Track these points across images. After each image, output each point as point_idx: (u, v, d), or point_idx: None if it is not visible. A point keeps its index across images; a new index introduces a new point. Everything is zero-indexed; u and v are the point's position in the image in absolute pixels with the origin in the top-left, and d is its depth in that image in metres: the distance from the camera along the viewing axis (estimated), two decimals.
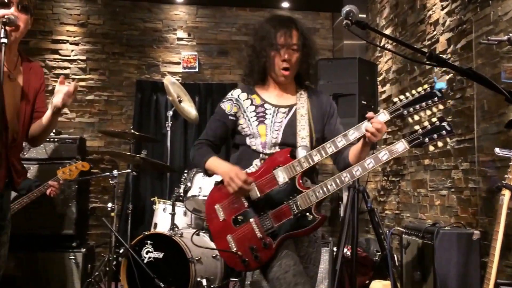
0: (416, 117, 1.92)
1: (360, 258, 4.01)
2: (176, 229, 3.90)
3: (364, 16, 5.49)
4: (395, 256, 3.99)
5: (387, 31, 4.95)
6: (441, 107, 1.90)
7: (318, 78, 2.31)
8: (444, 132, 1.88)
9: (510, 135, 3.00)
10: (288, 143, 2.10)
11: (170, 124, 5.02)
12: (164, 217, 4.17)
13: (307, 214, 1.97)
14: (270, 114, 2.14)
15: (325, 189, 1.97)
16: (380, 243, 3.43)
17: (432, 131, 1.89)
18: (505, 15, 3.10)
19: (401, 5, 4.73)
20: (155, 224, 4.22)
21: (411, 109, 1.91)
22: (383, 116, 1.94)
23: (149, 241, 3.73)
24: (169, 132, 5.02)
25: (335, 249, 3.59)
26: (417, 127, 1.91)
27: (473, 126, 3.40)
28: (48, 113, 2.28)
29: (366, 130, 1.93)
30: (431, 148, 1.91)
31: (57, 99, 2.23)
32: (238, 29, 5.96)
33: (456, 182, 3.65)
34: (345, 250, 3.65)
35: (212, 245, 3.97)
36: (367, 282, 3.88)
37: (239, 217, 2.04)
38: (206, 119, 5.65)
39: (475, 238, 3.13)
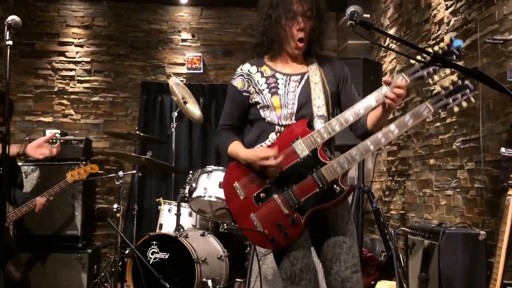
0: (436, 78, 1.82)
1: (365, 259, 4.01)
2: (182, 229, 3.91)
3: (368, 16, 5.48)
4: (400, 256, 3.98)
5: (392, 31, 4.94)
6: (460, 64, 1.76)
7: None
8: (468, 90, 1.79)
9: None
10: (304, 113, 2.00)
11: (175, 125, 5.03)
12: (169, 218, 4.18)
13: (334, 186, 1.88)
14: (282, 84, 2.04)
15: (349, 158, 1.87)
16: (385, 243, 3.42)
17: (456, 91, 1.80)
18: (510, 14, 3.08)
19: (405, 5, 4.72)
20: (161, 225, 4.23)
21: (431, 69, 1.82)
22: (402, 79, 1.84)
23: (154, 242, 3.74)
24: (174, 133, 5.03)
25: None
26: (438, 88, 1.81)
27: (478, 126, 3.38)
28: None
29: (386, 96, 1.83)
30: (456, 109, 1.80)
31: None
32: (243, 30, 5.96)
33: (462, 182, 3.63)
34: None
35: (216, 244, 4.00)
36: (372, 282, 3.88)
37: (261, 194, 1.95)
38: (210, 119, 5.67)
39: (481, 239, 3.12)
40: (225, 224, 4.11)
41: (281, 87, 2.04)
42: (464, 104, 1.81)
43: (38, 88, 5.60)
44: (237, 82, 2.11)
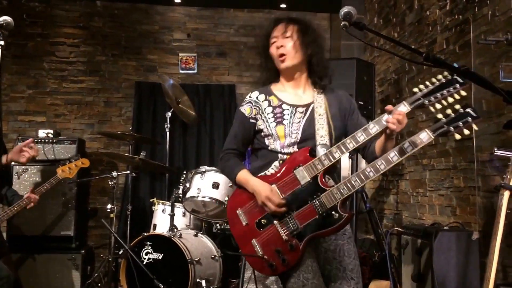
0: (438, 106, 1.83)
1: (359, 258, 4.01)
2: (175, 230, 3.91)
3: (362, 16, 5.50)
4: (394, 256, 3.99)
5: (385, 32, 4.95)
6: (463, 93, 1.81)
7: (330, 76, 2.24)
8: (469, 118, 1.77)
9: (509, 135, 3.01)
10: (307, 142, 2.07)
11: (169, 126, 5.03)
12: (163, 218, 4.17)
13: (333, 212, 1.92)
14: (288, 114, 2.11)
15: (349, 185, 1.91)
16: (379, 243, 3.43)
17: (457, 118, 1.79)
18: (503, 15, 3.10)
19: (399, 5, 4.73)
20: (154, 225, 4.22)
21: (432, 98, 1.84)
22: (403, 107, 1.89)
23: (148, 242, 3.73)
24: (168, 134, 5.03)
25: None
26: (440, 116, 1.82)
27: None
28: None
29: (387, 122, 1.88)
30: (457, 136, 1.79)
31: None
32: (237, 30, 5.96)
33: (455, 182, 3.65)
34: None
35: (210, 245, 3.99)
36: (366, 282, 3.89)
37: (262, 220, 2.01)
38: (204, 120, 5.66)
39: (474, 238, 3.13)
40: (218, 225, 4.11)
41: (286, 117, 2.10)
42: (466, 131, 1.79)
43: (31, 88, 5.57)
44: (245, 109, 2.18)
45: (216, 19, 5.98)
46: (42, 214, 4.50)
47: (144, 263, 3.67)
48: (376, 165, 1.88)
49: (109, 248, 4.08)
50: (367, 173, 1.89)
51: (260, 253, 1.98)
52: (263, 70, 2.25)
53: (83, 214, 5.04)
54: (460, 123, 1.78)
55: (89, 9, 5.75)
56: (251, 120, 2.16)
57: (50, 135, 4.86)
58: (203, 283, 3.65)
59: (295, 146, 2.07)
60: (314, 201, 1.94)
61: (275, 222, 1.98)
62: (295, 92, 2.19)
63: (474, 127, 1.79)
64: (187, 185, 4.05)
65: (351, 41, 5.53)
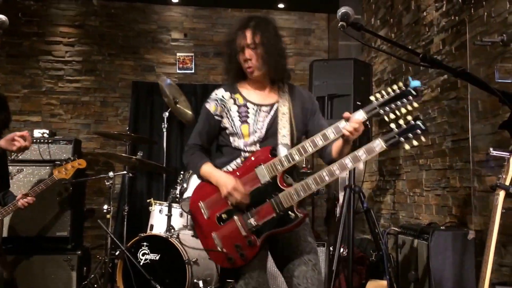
0: (392, 116, 1.93)
1: (356, 258, 4.02)
2: (173, 230, 3.90)
3: (359, 17, 5.51)
4: (391, 256, 4.00)
5: (382, 32, 4.96)
6: (415, 105, 1.91)
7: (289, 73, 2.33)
8: (418, 131, 1.89)
9: (504, 136, 3.02)
10: (269, 141, 2.14)
11: (166, 126, 5.02)
12: (160, 218, 4.16)
13: (290, 212, 2.01)
14: (253, 113, 2.18)
15: (306, 187, 2.00)
16: (376, 243, 3.44)
17: (407, 130, 1.90)
18: (499, 16, 3.12)
19: (396, 6, 4.75)
20: (151, 225, 4.21)
21: (387, 108, 1.93)
22: (360, 115, 1.96)
23: (145, 243, 3.72)
24: (165, 134, 5.02)
25: (331, 249, 3.59)
26: (393, 125, 1.92)
27: (467, 126, 3.41)
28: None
29: (344, 129, 1.97)
30: (407, 147, 1.91)
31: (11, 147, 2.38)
32: None
33: (451, 182, 3.66)
34: (341, 250, 3.66)
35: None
36: (363, 282, 3.89)
37: (223, 215, 2.08)
38: None
39: (470, 238, 3.14)
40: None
41: (251, 116, 2.17)
42: (415, 143, 1.90)
43: (26, 87, 5.55)
44: (211, 106, 2.23)
45: (214, 19, 5.98)
46: (38, 214, 4.48)
47: (141, 264, 3.66)
48: (332, 170, 1.97)
49: (106, 249, 4.07)
50: (322, 176, 1.98)
51: (220, 246, 2.06)
52: (228, 73, 2.27)
53: (79, 214, 5.02)
54: (410, 135, 1.89)
55: (85, 8, 5.74)
56: (216, 117, 2.21)
57: (45, 135, 4.84)
58: (201, 283, 3.65)
59: (258, 145, 2.14)
60: (272, 200, 2.02)
61: (235, 217, 2.05)
62: (260, 92, 2.25)
63: (422, 139, 1.90)
64: (184, 185, 4.04)
65: (348, 41, 5.54)
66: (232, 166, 2.17)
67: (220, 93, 2.25)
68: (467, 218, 3.44)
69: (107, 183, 4.18)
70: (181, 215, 4.22)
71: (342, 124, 1.98)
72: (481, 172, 3.27)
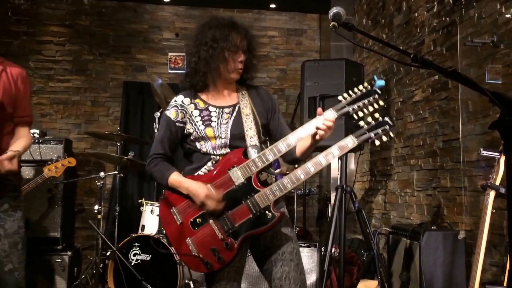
0: (361, 114, 2.00)
1: (348, 258, 4.03)
2: (164, 231, 3.88)
3: (351, 17, 5.52)
4: (382, 256, 4.01)
5: (374, 33, 4.98)
6: (381, 103, 2.00)
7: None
8: (387, 126, 1.98)
9: (495, 136, 3.04)
10: (237, 143, 2.11)
11: (157, 126, 4.99)
12: (152, 219, 4.14)
13: (266, 212, 2.00)
14: (215, 116, 2.14)
15: (281, 187, 2.00)
16: (367, 243, 3.45)
17: (376, 126, 1.99)
18: (489, 17, 3.14)
19: (387, 7, 4.77)
20: (143, 226, 4.19)
21: (355, 107, 1.99)
22: (331, 113, 1.99)
23: (136, 243, 3.71)
24: (156, 133, 5.00)
25: (322, 249, 3.60)
26: (362, 123, 1.99)
27: (458, 127, 3.43)
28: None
29: (317, 128, 1.98)
30: (377, 142, 1.99)
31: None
32: None
33: (442, 182, 3.68)
34: (333, 250, 3.67)
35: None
36: (354, 281, 3.90)
37: (197, 219, 2.04)
38: None
39: (461, 238, 3.16)
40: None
41: (214, 119, 2.13)
42: (384, 138, 1.98)
43: None
44: (171, 113, 2.17)
45: (205, 18, 5.95)
46: (28, 215, 4.44)
47: (132, 264, 3.65)
48: (307, 168, 1.98)
49: (97, 250, 4.05)
50: (298, 175, 1.99)
51: (195, 251, 2.01)
52: (197, 75, 2.15)
53: (70, 215, 4.99)
54: (379, 130, 1.98)
55: (75, 7, 5.70)
56: (177, 124, 2.15)
57: (36, 135, 4.81)
58: (191, 284, 3.64)
59: (227, 148, 2.11)
60: (248, 201, 2.00)
61: (211, 221, 2.02)
62: (220, 94, 2.21)
63: (391, 134, 1.99)
64: None
65: (340, 42, 5.55)
66: (203, 171, 2.13)
67: (179, 99, 2.19)
68: (457, 218, 3.46)
69: (98, 184, 4.16)
70: None
71: (313, 122, 2.00)
72: (471, 172, 3.30)
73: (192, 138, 2.15)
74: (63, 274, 4.43)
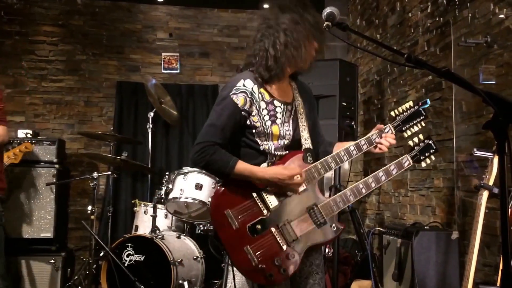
0: (409, 133, 2.14)
1: (341, 259, 4.03)
2: (158, 231, 3.87)
3: (345, 17, 5.53)
4: (375, 256, 4.02)
5: (368, 33, 4.99)
6: (424, 124, 2.14)
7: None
8: (432, 150, 2.15)
9: (488, 136, 3.05)
10: (295, 145, 1.97)
11: (151, 126, 4.99)
12: (145, 219, 4.13)
13: (332, 224, 1.93)
14: (280, 112, 1.95)
15: (345, 199, 1.97)
16: (361, 243, 3.45)
17: (425, 149, 2.14)
18: (483, 17, 3.15)
19: (381, 7, 4.77)
20: (136, 226, 4.18)
21: (407, 125, 2.11)
22: (389, 130, 2.07)
23: (130, 244, 3.69)
24: (150, 134, 4.99)
25: None
26: (411, 143, 2.15)
27: (452, 127, 3.44)
28: None
29: (380, 144, 2.02)
30: (423, 164, 2.17)
31: None
32: (220, 31, 5.94)
33: (436, 182, 3.69)
34: (327, 250, 3.67)
35: (192, 246, 3.97)
36: (348, 281, 3.91)
37: (257, 226, 1.86)
38: (187, 120, 5.62)
39: (454, 238, 3.17)
40: (201, 226, 4.08)
41: (279, 116, 1.95)
42: (428, 161, 2.16)
43: (9, 87, 5.45)
44: (239, 98, 1.89)
45: (200, 18, 5.95)
46: (21, 216, 4.42)
47: (126, 265, 3.63)
48: (368, 183, 2.02)
49: (90, 250, 4.03)
50: (359, 189, 2.01)
51: (255, 261, 1.83)
52: (270, 63, 1.90)
53: (63, 216, 4.96)
54: (427, 153, 2.15)
55: (69, 7, 5.67)
56: (243, 112, 1.89)
57: (29, 135, 4.77)
58: (186, 284, 3.63)
59: (284, 149, 1.95)
60: (311, 211, 1.91)
61: (272, 229, 1.86)
62: (281, 87, 2.00)
63: (433, 158, 2.17)
64: (170, 186, 4.01)
65: (334, 42, 5.55)
66: None
67: (249, 85, 1.91)
68: (451, 218, 3.47)
69: (91, 184, 4.14)
70: (166, 216, 4.19)
71: (374, 137, 2.04)
72: (465, 172, 3.31)
73: (254, 131, 1.92)
74: (56, 275, 4.41)
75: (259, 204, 1.87)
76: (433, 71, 1.40)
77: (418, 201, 3.94)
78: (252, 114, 1.91)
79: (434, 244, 3.17)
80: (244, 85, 1.91)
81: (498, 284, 2.47)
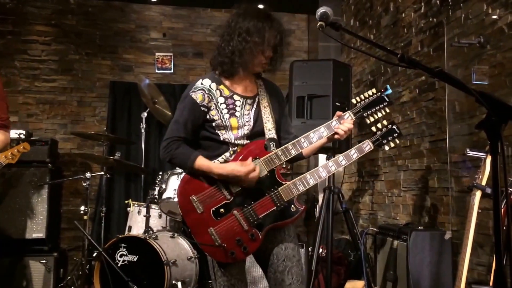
0: (371, 119, 2.19)
1: (335, 259, 4.04)
2: (151, 231, 3.85)
3: (339, 18, 5.54)
4: (369, 256, 4.02)
5: (361, 33, 5.00)
6: (387, 110, 2.19)
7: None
8: (395, 134, 2.18)
9: (481, 136, 3.07)
10: (257, 135, 2.13)
11: (144, 126, 4.97)
12: (139, 219, 4.11)
13: (291, 205, 2.07)
14: (239, 106, 2.13)
15: (305, 182, 2.08)
16: (354, 243, 3.46)
17: (388, 133, 2.18)
18: (476, 18, 3.16)
19: (375, 8, 4.78)
20: (129, 227, 4.16)
21: (369, 111, 2.16)
22: (349, 116, 2.14)
23: (123, 244, 3.67)
24: (143, 134, 4.97)
25: (310, 249, 3.60)
26: (373, 129, 2.19)
27: (445, 127, 3.46)
28: None
29: (337, 128, 2.10)
30: (387, 148, 2.19)
31: None
32: (213, 30, 5.93)
33: (429, 182, 3.70)
34: (320, 250, 3.67)
35: (186, 246, 3.96)
36: (342, 282, 3.91)
37: (220, 209, 2.03)
38: None
39: (447, 238, 3.18)
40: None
41: (238, 109, 2.12)
42: (392, 145, 2.19)
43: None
44: (197, 95, 2.10)
45: (193, 18, 5.94)
46: (13, 216, 4.39)
47: (119, 265, 3.61)
48: (328, 167, 2.11)
49: (83, 251, 4.01)
50: (320, 173, 2.10)
51: (218, 241, 2.01)
52: (228, 62, 2.10)
53: (55, 216, 4.94)
54: (390, 137, 2.19)
55: (61, 7, 5.64)
56: (202, 108, 2.09)
57: (22, 135, 4.74)
58: (179, 285, 3.61)
59: (245, 139, 2.11)
60: (272, 194, 2.04)
61: (235, 212, 2.03)
62: (242, 83, 2.18)
63: (397, 141, 2.19)
64: (163, 186, 4.00)
65: (328, 42, 5.56)
66: (219, 160, 2.09)
67: (206, 83, 2.12)
68: (444, 218, 3.48)
69: (84, 184, 4.12)
70: (160, 216, 4.18)
71: (333, 123, 2.11)
72: (458, 172, 3.32)
73: (214, 124, 2.10)
74: (49, 276, 4.38)
75: (222, 189, 2.05)
76: (426, 71, 1.40)
77: (411, 201, 3.95)
78: (211, 109, 2.10)
79: (428, 244, 3.18)
80: (202, 84, 2.13)
81: (491, 283, 2.48)
